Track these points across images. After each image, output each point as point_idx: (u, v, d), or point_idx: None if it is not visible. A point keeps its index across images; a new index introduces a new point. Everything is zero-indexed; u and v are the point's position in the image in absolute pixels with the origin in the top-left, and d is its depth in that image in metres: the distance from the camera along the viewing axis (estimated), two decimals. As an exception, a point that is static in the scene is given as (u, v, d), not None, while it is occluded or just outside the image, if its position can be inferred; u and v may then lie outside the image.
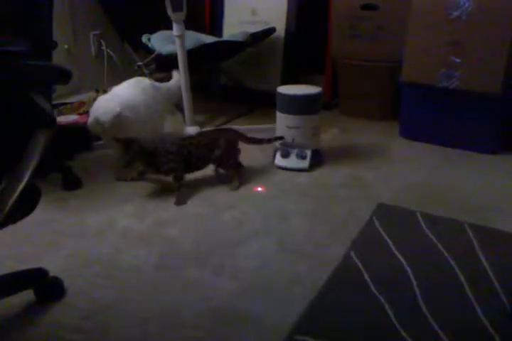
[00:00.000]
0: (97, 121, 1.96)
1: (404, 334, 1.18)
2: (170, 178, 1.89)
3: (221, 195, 1.90)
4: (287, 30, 2.83)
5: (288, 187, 1.96)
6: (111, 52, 2.90)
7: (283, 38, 2.84)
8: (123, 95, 2.08)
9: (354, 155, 2.27)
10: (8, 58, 0.91)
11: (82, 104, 2.56)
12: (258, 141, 2.05)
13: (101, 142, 2.24)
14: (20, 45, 1.01)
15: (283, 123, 2.10)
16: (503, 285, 1.34)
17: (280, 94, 2.09)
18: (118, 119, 1.95)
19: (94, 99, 2.55)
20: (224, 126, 2.25)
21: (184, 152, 1.85)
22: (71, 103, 2.59)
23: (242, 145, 2.01)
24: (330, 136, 2.43)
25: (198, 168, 1.92)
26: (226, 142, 1.92)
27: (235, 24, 2.95)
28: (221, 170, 2.01)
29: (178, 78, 2.36)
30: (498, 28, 2.05)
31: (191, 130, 2.37)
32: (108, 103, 2.02)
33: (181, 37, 2.24)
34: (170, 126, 2.44)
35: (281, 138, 2.06)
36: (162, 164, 1.83)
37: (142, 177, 1.98)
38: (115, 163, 1.92)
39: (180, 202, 1.83)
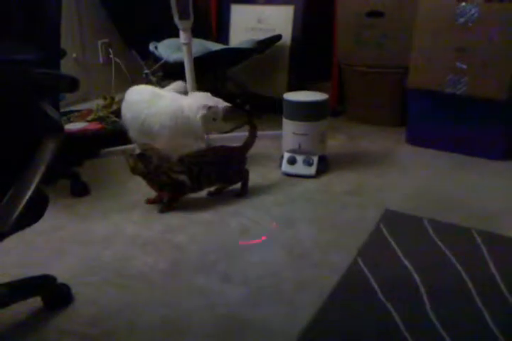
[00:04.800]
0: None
1: (412, 341, 1.17)
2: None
3: (228, 201, 1.90)
4: (293, 37, 2.84)
5: (295, 194, 1.96)
6: (118, 60, 2.93)
7: (289, 45, 2.85)
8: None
9: (361, 162, 2.26)
10: (17, 66, 0.92)
11: (90, 111, 2.58)
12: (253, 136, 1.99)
13: (109, 149, 2.26)
14: (29, 53, 1.02)
15: (290, 129, 2.11)
16: (512, 292, 1.33)
17: (287, 100, 2.10)
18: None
19: (104, 107, 2.58)
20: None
21: (195, 170, 1.82)
22: (79, 110, 2.61)
23: (248, 153, 2.01)
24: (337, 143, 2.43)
25: (210, 185, 1.90)
26: (236, 162, 1.92)
27: (242, 32, 2.97)
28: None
29: (179, 84, 2.36)
30: (503, 34, 2.05)
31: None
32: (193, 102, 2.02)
33: (188, 45, 2.26)
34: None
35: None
36: (162, 184, 1.80)
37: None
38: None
39: (163, 211, 1.83)
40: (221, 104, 2.01)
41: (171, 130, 2.00)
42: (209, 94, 2.05)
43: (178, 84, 2.21)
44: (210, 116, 1.98)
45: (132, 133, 2.07)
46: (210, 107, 1.97)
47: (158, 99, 2.04)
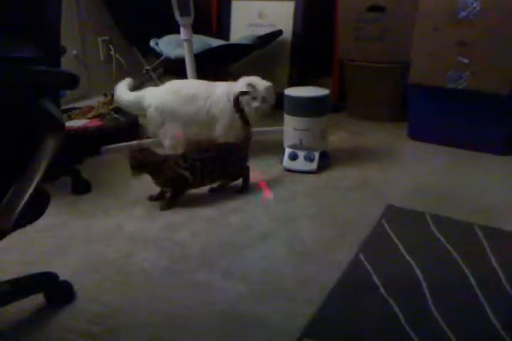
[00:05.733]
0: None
1: (414, 337, 1.17)
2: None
3: (229, 198, 1.90)
4: (294, 33, 2.84)
5: (296, 190, 1.96)
6: (119, 57, 2.92)
7: (290, 41, 2.85)
8: None
9: (362, 157, 2.26)
10: (18, 64, 0.92)
11: (91, 108, 2.58)
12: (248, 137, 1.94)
13: (110, 146, 2.26)
14: (30, 50, 1.02)
15: (291, 125, 2.10)
16: (515, 287, 1.33)
17: (288, 96, 2.09)
18: None
19: (105, 103, 2.58)
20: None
21: (198, 166, 1.80)
22: (80, 108, 2.61)
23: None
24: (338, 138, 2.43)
25: (212, 182, 1.90)
26: (239, 159, 1.91)
27: (242, 27, 2.96)
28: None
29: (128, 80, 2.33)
30: (506, 27, 2.03)
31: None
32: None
33: (189, 41, 2.25)
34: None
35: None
36: (167, 179, 1.80)
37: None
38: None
39: (165, 208, 1.83)
40: (262, 83, 2.06)
41: (229, 114, 2.06)
42: (257, 77, 2.11)
43: (127, 80, 2.24)
44: (248, 95, 2.02)
45: (185, 128, 2.09)
46: (248, 84, 2.03)
47: (215, 88, 2.11)
